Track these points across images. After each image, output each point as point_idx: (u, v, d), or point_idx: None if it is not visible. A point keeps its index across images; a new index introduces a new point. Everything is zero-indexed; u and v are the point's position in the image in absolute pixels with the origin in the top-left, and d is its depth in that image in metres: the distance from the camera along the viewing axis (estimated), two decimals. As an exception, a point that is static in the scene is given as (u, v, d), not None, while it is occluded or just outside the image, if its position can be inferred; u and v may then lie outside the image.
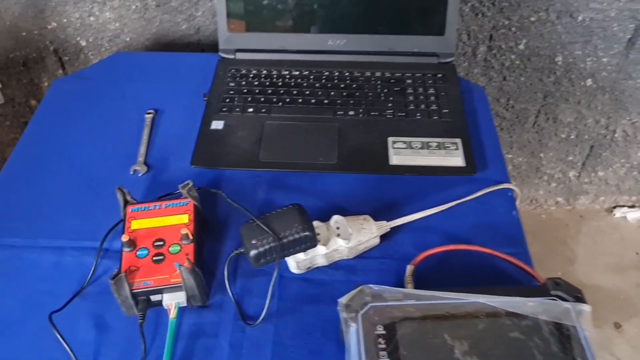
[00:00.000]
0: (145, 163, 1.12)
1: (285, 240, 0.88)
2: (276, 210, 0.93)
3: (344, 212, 1.02)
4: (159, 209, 0.97)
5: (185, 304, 0.88)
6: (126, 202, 0.97)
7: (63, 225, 1.03)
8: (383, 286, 0.84)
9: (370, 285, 0.84)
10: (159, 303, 0.88)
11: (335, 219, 0.97)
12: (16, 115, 1.76)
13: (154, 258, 0.90)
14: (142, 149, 1.14)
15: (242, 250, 0.92)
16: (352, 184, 1.08)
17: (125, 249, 0.91)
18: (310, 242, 0.91)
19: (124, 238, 0.90)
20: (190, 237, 0.91)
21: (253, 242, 0.89)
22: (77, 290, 0.93)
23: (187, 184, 0.97)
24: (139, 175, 1.10)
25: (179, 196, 1.00)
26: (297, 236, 0.89)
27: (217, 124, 1.17)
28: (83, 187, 1.09)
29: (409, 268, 0.92)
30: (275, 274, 0.89)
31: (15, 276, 0.96)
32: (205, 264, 0.95)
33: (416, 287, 0.89)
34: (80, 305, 0.92)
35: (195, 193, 0.97)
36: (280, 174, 1.10)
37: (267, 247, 0.88)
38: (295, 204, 0.93)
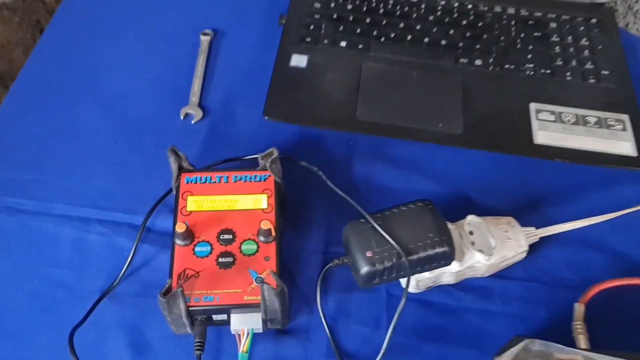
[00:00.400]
0: (201, 106, 0.83)
1: (414, 257, 0.61)
2: (397, 207, 0.65)
3: (474, 208, 0.74)
4: (225, 182, 0.68)
5: (261, 330, 0.61)
6: (180, 169, 0.68)
7: (88, 186, 0.75)
8: (553, 344, 0.57)
9: (536, 341, 0.57)
10: (223, 322, 0.62)
11: (470, 220, 0.68)
12: (27, 11, 1.44)
13: (220, 259, 0.62)
14: (196, 85, 0.84)
15: (345, 260, 0.64)
16: (483, 166, 0.79)
17: (179, 242, 0.63)
18: (446, 259, 0.63)
19: (180, 228, 0.62)
20: (273, 233, 0.63)
21: (368, 254, 0.61)
22: (104, 286, 0.66)
23: (271, 153, 0.68)
24: (192, 122, 0.81)
25: (251, 164, 0.71)
26: (431, 252, 0.61)
27: (298, 60, 0.86)
28: (115, 130, 0.80)
29: (579, 309, 0.65)
30: (402, 302, 0.62)
31: (22, 257, 0.69)
32: (284, 268, 0.67)
33: (592, 339, 0.63)
34: (108, 309, 0.66)
35: (279, 167, 0.68)
36: (384, 142, 0.80)
37: (387, 264, 0.60)
38: (426, 201, 0.65)
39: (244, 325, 0.61)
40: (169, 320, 0.60)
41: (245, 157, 0.75)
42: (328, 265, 0.65)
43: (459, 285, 0.69)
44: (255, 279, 0.61)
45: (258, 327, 0.61)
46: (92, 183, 0.75)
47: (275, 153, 0.67)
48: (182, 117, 0.81)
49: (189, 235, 0.63)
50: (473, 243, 0.67)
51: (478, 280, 0.69)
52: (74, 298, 0.66)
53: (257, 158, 0.71)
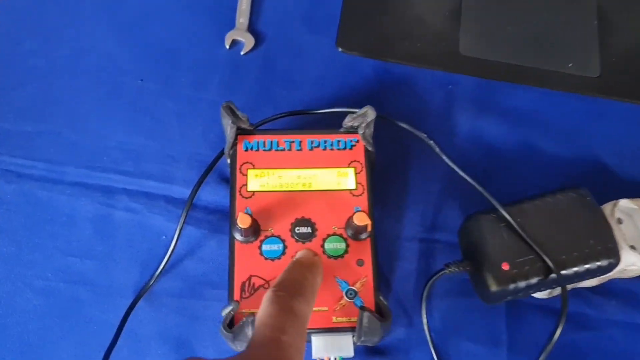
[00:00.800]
0: (251, 31, 0.62)
1: (569, 272, 0.44)
2: (540, 197, 0.47)
3: (615, 181, 0.56)
4: (298, 150, 0.50)
5: (351, 356, 0.46)
6: (238, 131, 0.49)
7: (109, 142, 0.57)
8: None
9: None
10: (300, 343, 0.46)
11: (622, 205, 0.51)
12: None
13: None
14: (244, 3, 0.63)
15: (465, 268, 0.48)
16: (627, 123, 0.60)
17: (240, 238, 0.46)
18: (607, 271, 0.46)
19: (243, 222, 0.45)
20: (369, 228, 0.46)
21: (505, 266, 0.44)
22: (138, 283, 0.51)
23: (365, 114, 0.49)
24: (241, 52, 0.61)
25: (326, 122, 0.52)
26: (591, 265, 0.45)
27: (379, -31, 0.64)
28: (140, 65, 0.61)
29: None
30: (560, 328, 0.46)
31: (29, 240, 0.53)
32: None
33: None
34: (144, 315, 0.51)
35: (372, 131, 0.50)
36: (494, 87, 0.61)
37: (532, 281, 0.44)
38: (580, 191, 0.48)
39: (331, 352, 0.45)
40: (232, 346, 0.44)
41: (316, 111, 0.56)
42: (440, 272, 0.48)
43: (598, 288, 0.52)
44: (346, 293, 0.45)
45: (349, 354, 0.45)
46: (114, 138, 0.57)
47: (372, 115, 0.48)
48: (227, 46, 0.61)
49: (254, 229, 0.46)
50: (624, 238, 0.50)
51: (623, 283, 0.53)
52: (99, 299, 0.51)
53: (335, 112, 0.52)
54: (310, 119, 0.56)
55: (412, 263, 0.53)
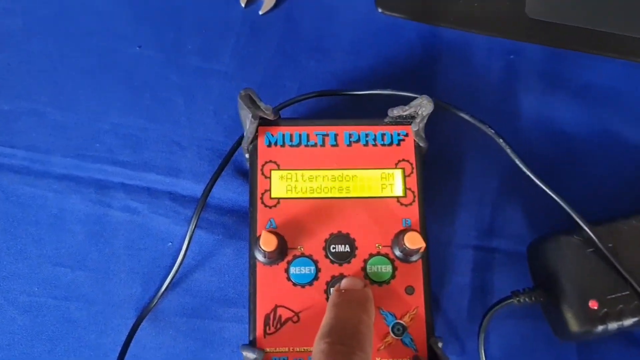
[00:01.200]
0: (271, -16, 0.51)
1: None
2: (636, 214, 0.37)
3: None
4: (333, 145, 0.40)
5: (395, 399, 0.38)
6: (259, 121, 0.40)
7: (102, 125, 0.48)
8: None
9: None
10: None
11: None
12: None
13: (332, 289, 0.37)
14: (262, -53, 0.52)
15: (538, 299, 0.39)
16: None
17: (261, 259, 0.37)
18: None
19: (268, 244, 0.36)
20: (423, 248, 0.37)
21: (593, 305, 0.35)
22: (141, 299, 0.43)
23: (419, 104, 0.39)
24: (260, 12, 0.50)
25: (363, 105, 0.43)
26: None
27: None
28: (137, 28, 0.50)
29: None
30: None
31: (10, 246, 0.45)
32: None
33: None
34: (149, 339, 0.43)
35: (423, 124, 0.40)
36: (567, 57, 0.50)
37: (625, 322, 0.35)
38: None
39: (373, 397, 0.37)
40: (253, 390, 0.37)
41: (356, 92, 0.45)
42: (504, 302, 0.40)
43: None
44: (393, 328, 0.37)
45: (393, 399, 0.37)
46: (107, 119, 0.47)
47: (428, 107, 0.38)
48: (243, 4, 0.50)
49: (281, 248, 0.37)
50: None
51: None
52: (94, 318, 0.43)
53: (377, 95, 0.42)
54: (346, 101, 0.46)
55: (465, 276, 0.45)
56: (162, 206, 0.45)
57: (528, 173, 0.42)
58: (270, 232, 0.37)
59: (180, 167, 0.46)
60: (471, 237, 0.45)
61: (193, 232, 0.43)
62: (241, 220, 0.45)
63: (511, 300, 0.39)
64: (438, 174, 0.46)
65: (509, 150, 0.42)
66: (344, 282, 0.37)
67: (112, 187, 0.45)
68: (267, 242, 0.36)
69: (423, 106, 0.38)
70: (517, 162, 0.42)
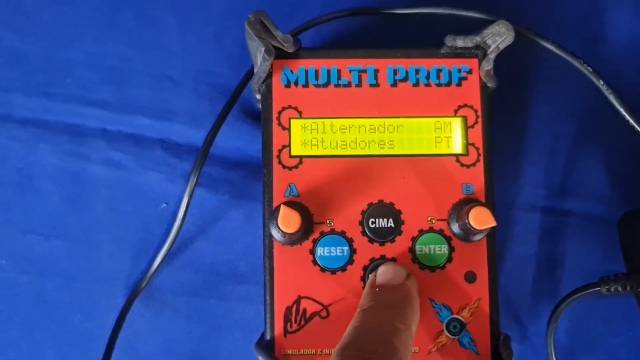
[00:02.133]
0: None
1: None
2: None
3: None
4: (372, 86, 0.30)
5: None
6: (276, 54, 0.29)
7: (74, 53, 0.38)
8: None
9: None
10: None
11: None
12: None
13: (371, 276, 0.28)
14: None
15: (636, 288, 0.30)
16: None
17: (279, 238, 0.29)
18: None
19: (288, 224, 0.27)
20: (492, 223, 0.28)
21: None
22: (132, 275, 0.35)
23: (495, 32, 0.28)
24: None
25: (413, 30, 0.32)
26: None
27: None
28: None
29: None
30: None
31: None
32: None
33: None
34: (143, 322, 0.35)
35: (492, 66, 0.29)
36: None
37: None
38: None
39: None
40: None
41: (403, 10, 0.34)
42: (587, 290, 0.31)
43: None
44: (448, 325, 0.29)
45: (445, 406, 0.30)
46: (80, 47, 0.37)
47: (508, 36, 0.28)
48: None
49: (306, 224, 0.29)
50: None
51: None
52: (77, 298, 0.36)
53: (430, 15, 0.31)
54: (387, 24, 0.35)
55: (531, 246, 0.36)
56: (152, 158, 0.36)
57: (621, 111, 0.32)
58: (291, 205, 0.28)
59: (173, 108, 0.36)
60: (539, 196, 0.36)
61: (193, 190, 0.34)
62: (252, 175, 0.36)
63: (598, 288, 0.31)
64: (498, 115, 0.36)
65: (600, 84, 0.32)
66: (380, 274, 0.28)
67: (90, 135, 0.36)
68: (288, 222, 0.27)
69: (500, 35, 0.27)
70: (610, 97, 0.31)
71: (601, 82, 0.30)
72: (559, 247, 0.36)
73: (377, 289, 0.27)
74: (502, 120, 0.36)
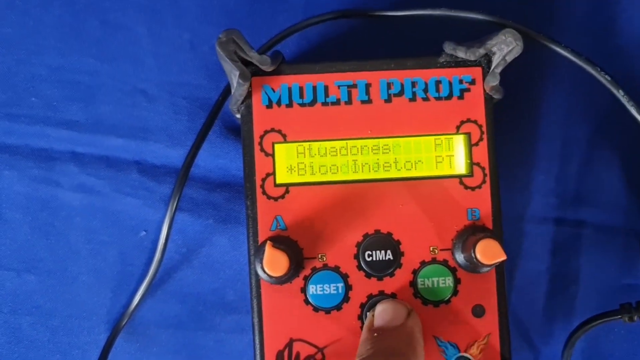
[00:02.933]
0: None
1: None
2: None
3: None
4: (364, 102, 0.27)
5: None
6: (250, 72, 0.26)
7: (40, 67, 0.34)
8: None
9: None
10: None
11: None
12: None
13: (368, 314, 0.26)
14: None
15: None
16: None
17: (266, 279, 0.26)
18: None
19: (274, 268, 0.24)
20: (502, 257, 0.25)
21: None
22: (113, 311, 0.33)
23: (501, 40, 0.25)
24: None
25: (408, 36, 0.29)
26: None
27: None
28: None
29: None
30: None
31: None
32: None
33: None
34: (128, 356, 0.33)
35: (498, 81, 0.26)
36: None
37: None
38: None
39: None
40: None
41: (397, 12, 0.31)
42: (607, 318, 0.29)
43: None
44: (455, 365, 0.26)
45: None
46: (42, 62, 0.34)
47: (516, 47, 0.24)
48: None
49: (295, 260, 0.26)
50: None
51: None
52: (54, 336, 0.33)
53: (427, 17, 0.28)
54: (379, 28, 0.32)
55: (543, 261, 0.33)
56: (128, 182, 0.33)
57: (636, 114, 0.29)
58: (278, 240, 0.25)
59: (148, 126, 0.33)
60: (550, 206, 0.33)
61: (173, 216, 0.31)
62: (237, 197, 0.33)
63: (618, 317, 0.28)
64: (506, 119, 0.33)
65: (621, 95, 0.28)
66: (378, 315, 0.25)
67: (59, 158, 0.33)
68: (274, 264, 0.25)
69: (506, 44, 0.24)
70: (622, 99, 0.28)
71: (621, 92, 0.27)
72: (572, 262, 0.33)
73: (375, 334, 0.25)
74: (509, 125, 0.33)
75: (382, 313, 0.26)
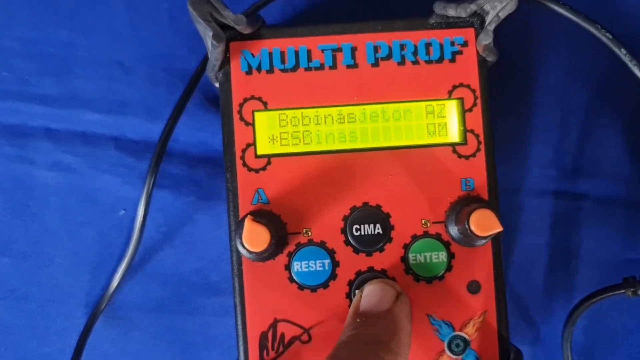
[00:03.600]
0: None
1: None
2: None
3: None
4: (350, 67, 0.25)
5: None
6: (230, 35, 0.24)
7: (10, 39, 0.33)
8: None
9: None
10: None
11: None
12: None
13: (357, 292, 0.24)
14: None
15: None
16: None
17: (248, 255, 0.24)
18: None
19: (254, 243, 0.23)
20: (498, 229, 0.23)
21: None
22: (92, 292, 0.31)
23: None
24: None
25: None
26: None
27: None
28: None
29: None
30: None
31: None
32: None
33: None
34: (109, 340, 0.31)
35: (491, 39, 0.24)
36: None
37: None
38: None
39: None
40: None
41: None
42: (610, 293, 0.27)
43: None
44: (450, 343, 0.25)
45: None
46: (13, 34, 0.32)
47: (510, 1, 0.22)
48: None
49: (278, 236, 0.24)
50: None
51: None
52: (31, 321, 0.32)
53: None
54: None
55: (542, 236, 0.32)
56: (105, 158, 0.32)
57: (637, 73, 0.27)
58: (260, 215, 0.24)
59: (125, 99, 0.32)
60: (549, 178, 0.32)
61: (150, 192, 0.30)
62: (219, 173, 0.31)
63: (622, 291, 0.27)
64: (501, 86, 0.31)
65: (623, 54, 0.27)
66: (364, 297, 0.24)
67: (33, 135, 0.32)
68: (254, 239, 0.23)
69: (500, 1, 0.22)
70: (624, 58, 0.27)
71: (623, 50, 0.25)
72: (573, 235, 0.32)
73: (358, 320, 0.23)
74: (504, 93, 0.31)
75: (369, 295, 0.24)
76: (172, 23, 0.32)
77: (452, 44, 0.26)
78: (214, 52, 0.23)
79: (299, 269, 0.25)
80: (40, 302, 0.31)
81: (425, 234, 0.25)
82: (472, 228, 0.23)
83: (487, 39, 0.23)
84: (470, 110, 0.26)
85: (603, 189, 0.32)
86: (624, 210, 0.31)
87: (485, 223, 0.23)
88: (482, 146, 0.26)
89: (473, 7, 0.23)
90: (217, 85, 0.27)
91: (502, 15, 0.22)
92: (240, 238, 0.23)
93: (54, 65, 0.32)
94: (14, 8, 0.32)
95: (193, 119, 0.31)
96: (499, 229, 0.23)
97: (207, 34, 0.23)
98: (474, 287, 0.25)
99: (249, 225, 0.23)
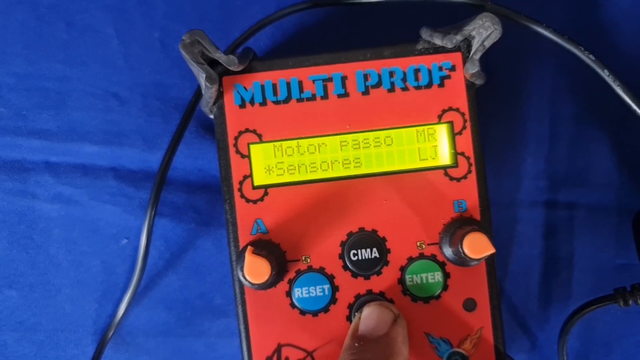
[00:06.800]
0: None
1: None
2: None
3: None
4: (341, 96, 0.26)
5: None
6: (219, 72, 0.25)
7: (6, 76, 0.33)
8: None
9: None
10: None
11: None
12: None
13: (356, 314, 0.25)
14: None
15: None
16: None
17: (249, 285, 0.25)
18: None
19: (255, 275, 0.24)
20: (490, 251, 0.24)
21: None
22: (102, 322, 0.32)
23: (480, 24, 0.23)
24: None
25: (385, 23, 0.28)
26: None
27: None
28: None
29: None
30: None
31: None
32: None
33: None
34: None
35: (477, 68, 0.25)
36: None
37: None
38: None
39: None
40: None
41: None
42: (601, 303, 0.28)
43: None
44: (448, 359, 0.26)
45: None
46: (8, 70, 0.33)
47: (495, 31, 0.23)
48: None
49: (278, 265, 0.25)
50: None
51: None
52: (40, 351, 0.33)
53: (404, 2, 0.27)
54: (352, 16, 0.31)
55: (535, 246, 0.33)
56: (105, 189, 0.32)
57: (622, 94, 0.28)
58: (259, 245, 0.25)
59: (122, 130, 0.32)
60: (540, 189, 0.33)
61: (152, 222, 0.30)
62: (218, 199, 0.32)
63: (613, 302, 0.27)
64: (490, 102, 0.32)
65: (606, 75, 0.27)
66: (363, 320, 0.25)
67: (33, 169, 0.32)
68: (255, 272, 0.24)
69: (485, 29, 0.23)
70: (608, 79, 0.27)
71: (606, 72, 0.26)
72: (566, 244, 0.33)
73: (357, 344, 0.24)
74: (494, 108, 0.32)
75: (367, 318, 0.25)
76: (164, 51, 0.32)
77: (440, 68, 0.26)
78: (208, 92, 0.24)
79: (300, 295, 0.26)
80: (49, 332, 0.32)
81: (421, 256, 0.26)
82: (466, 251, 0.24)
83: (473, 68, 0.24)
84: (459, 133, 0.26)
85: (593, 198, 0.32)
86: (615, 217, 0.32)
87: (478, 246, 0.24)
88: (473, 168, 0.26)
89: (459, 37, 0.23)
90: (212, 117, 0.27)
91: (487, 44, 0.23)
92: (242, 270, 0.24)
93: (50, 99, 0.32)
94: (8, 44, 0.32)
95: (190, 148, 0.32)
96: (491, 251, 0.24)
97: (200, 75, 0.23)
98: (470, 305, 0.26)
99: (249, 258, 0.24)
